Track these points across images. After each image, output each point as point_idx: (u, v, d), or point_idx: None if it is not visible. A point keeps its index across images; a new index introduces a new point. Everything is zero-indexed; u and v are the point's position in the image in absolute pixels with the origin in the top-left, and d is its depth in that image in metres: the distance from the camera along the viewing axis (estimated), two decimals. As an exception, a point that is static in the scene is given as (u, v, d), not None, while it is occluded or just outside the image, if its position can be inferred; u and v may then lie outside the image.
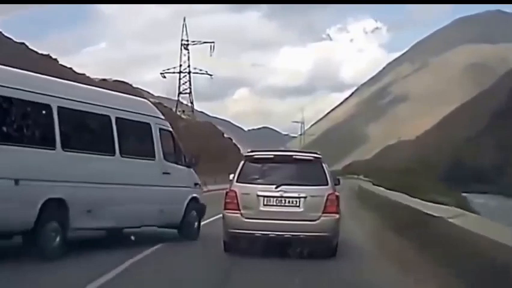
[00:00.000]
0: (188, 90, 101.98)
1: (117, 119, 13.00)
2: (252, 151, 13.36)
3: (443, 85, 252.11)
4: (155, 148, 13.96)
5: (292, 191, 11.96)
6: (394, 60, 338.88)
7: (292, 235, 11.84)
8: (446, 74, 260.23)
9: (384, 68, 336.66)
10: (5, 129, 10.56)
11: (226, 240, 12.33)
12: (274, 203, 11.98)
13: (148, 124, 14.03)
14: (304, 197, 11.93)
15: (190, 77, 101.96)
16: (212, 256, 12.08)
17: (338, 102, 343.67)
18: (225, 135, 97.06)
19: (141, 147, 14.04)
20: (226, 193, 12.27)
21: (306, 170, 12.46)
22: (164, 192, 13.95)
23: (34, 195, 10.82)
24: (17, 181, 10.46)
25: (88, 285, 8.58)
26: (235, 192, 12.12)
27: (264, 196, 11.96)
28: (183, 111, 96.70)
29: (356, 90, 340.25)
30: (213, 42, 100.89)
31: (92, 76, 69.08)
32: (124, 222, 13.09)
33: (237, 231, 12.00)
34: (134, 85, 73.17)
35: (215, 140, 79.48)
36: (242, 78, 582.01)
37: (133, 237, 12.95)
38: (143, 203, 13.27)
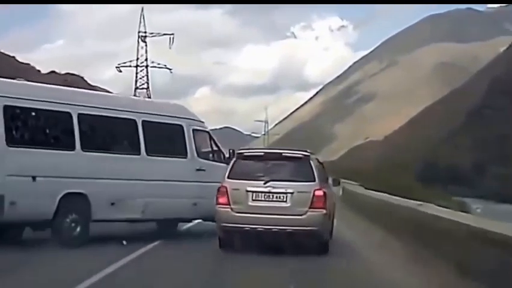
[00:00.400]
0: (145, 86, 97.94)
1: (144, 122, 14.57)
2: (243, 149, 14.27)
3: (413, 84, 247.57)
4: (188, 147, 15.45)
5: (280, 186, 12.68)
6: (361, 58, 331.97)
7: (280, 229, 12.49)
8: (416, 73, 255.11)
9: (350, 67, 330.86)
10: (21, 134, 12.55)
11: (221, 237, 13.11)
12: (263, 198, 12.70)
13: (180, 126, 15.45)
14: (291, 193, 12.62)
15: (147, 71, 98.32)
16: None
17: (303, 101, 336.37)
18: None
19: (171, 146, 15.52)
20: (218, 189, 13.06)
21: (294, 167, 13.04)
22: (198, 187, 15.02)
23: (52, 190, 12.58)
24: (34, 178, 12.31)
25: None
26: (226, 188, 12.94)
27: (253, 191, 12.73)
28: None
29: (321, 89, 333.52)
30: (172, 34, 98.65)
31: (40, 68, 65.03)
32: (151, 215, 14.56)
33: (228, 225, 12.79)
34: (92, 83, 68.49)
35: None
36: (204, 76, 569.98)
37: (124, 242, 13.03)
38: (172, 197, 14.59)
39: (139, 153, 14.34)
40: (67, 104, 13.10)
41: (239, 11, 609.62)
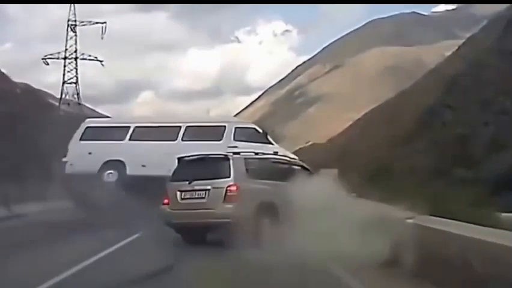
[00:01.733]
0: (74, 80, 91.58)
1: (187, 126, 24.25)
2: (182, 155, 16.03)
3: (357, 87, 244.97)
4: (224, 135, 23.45)
5: (201, 184, 14.60)
6: (305, 62, 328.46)
7: (201, 222, 14.38)
8: (360, 76, 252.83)
9: (293, 71, 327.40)
10: (89, 136, 25.15)
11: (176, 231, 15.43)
12: (188, 196, 14.71)
13: (224, 126, 23.99)
14: (209, 190, 14.46)
15: (76, 63, 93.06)
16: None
17: (245, 105, 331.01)
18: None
19: (209, 136, 23.39)
20: (164, 191, 15.26)
21: (215, 167, 14.84)
22: None
23: (98, 158, 23.90)
24: (90, 153, 23.96)
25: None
26: (167, 190, 15.18)
27: (182, 191, 14.85)
28: (68, 104, 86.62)
29: (264, 93, 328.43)
30: (105, 22, 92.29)
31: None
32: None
33: (166, 221, 15.06)
34: (35, 86, 65.37)
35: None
36: (146, 81, 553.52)
37: None
38: None
39: (175, 140, 23.62)
40: (128, 122, 25.55)
41: (184, 14, 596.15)
